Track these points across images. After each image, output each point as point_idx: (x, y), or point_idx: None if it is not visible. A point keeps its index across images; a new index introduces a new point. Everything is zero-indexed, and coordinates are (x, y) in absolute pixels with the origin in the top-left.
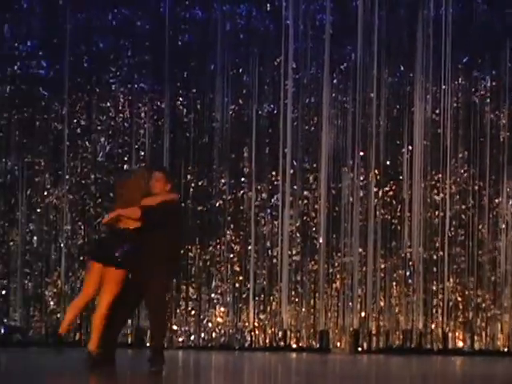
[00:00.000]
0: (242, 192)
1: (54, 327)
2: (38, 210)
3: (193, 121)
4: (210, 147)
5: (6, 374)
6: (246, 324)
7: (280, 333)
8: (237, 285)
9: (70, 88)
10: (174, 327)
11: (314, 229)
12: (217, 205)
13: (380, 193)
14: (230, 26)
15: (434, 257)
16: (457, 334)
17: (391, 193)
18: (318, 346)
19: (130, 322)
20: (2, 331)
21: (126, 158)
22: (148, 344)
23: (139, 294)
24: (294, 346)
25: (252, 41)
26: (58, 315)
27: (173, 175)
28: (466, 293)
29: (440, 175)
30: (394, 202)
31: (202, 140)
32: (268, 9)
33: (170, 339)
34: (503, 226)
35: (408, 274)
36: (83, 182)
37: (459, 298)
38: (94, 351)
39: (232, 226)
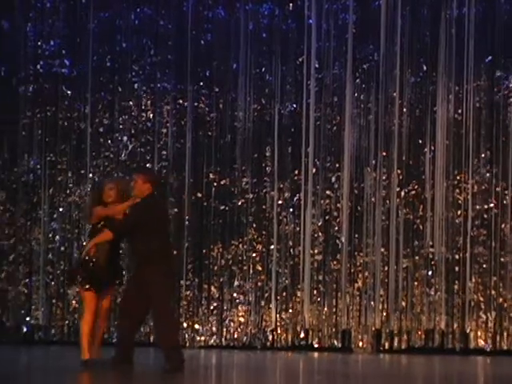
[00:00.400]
0: (264, 191)
1: (76, 326)
2: (61, 209)
3: (215, 120)
4: (233, 146)
5: (27, 372)
6: (268, 323)
7: (302, 332)
8: (259, 284)
9: (93, 87)
10: (196, 326)
11: (336, 228)
12: (239, 204)
13: (402, 192)
14: (253, 26)
15: (456, 256)
16: (479, 333)
17: (413, 192)
18: (339, 345)
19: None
20: (25, 330)
21: (148, 157)
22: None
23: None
24: (316, 345)
25: (274, 40)
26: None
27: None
28: (488, 292)
29: (462, 175)
30: (417, 202)
31: (225, 139)
32: (290, 8)
33: (192, 338)
34: None
35: (430, 273)
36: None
37: (481, 298)
38: (86, 359)
39: (254, 225)
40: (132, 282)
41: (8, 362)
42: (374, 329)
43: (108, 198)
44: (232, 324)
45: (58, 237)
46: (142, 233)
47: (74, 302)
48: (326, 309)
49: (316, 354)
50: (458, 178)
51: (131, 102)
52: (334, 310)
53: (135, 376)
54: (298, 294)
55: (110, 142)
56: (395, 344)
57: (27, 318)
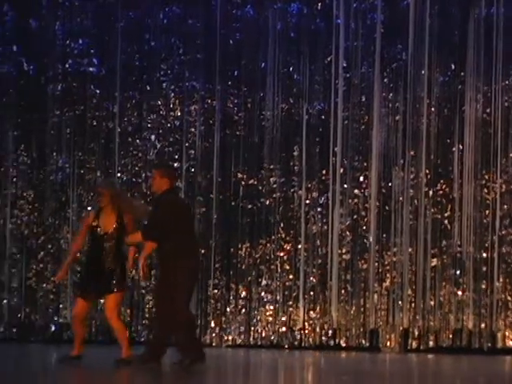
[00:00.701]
0: (292, 191)
1: (104, 325)
2: (89, 208)
3: (243, 119)
4: (261, 146)
5: (56, 371)
6: (296, 322)
7: (330, 331)
8: (287, 283)
9: (122, 86)
10: (224, 325)
11: (364, 228)
12: (267, 203)
13: (430, 192)
14: (281, 25)
15: (484, 256)
16: (506, 333)
17: (441, 192)
18: (367, 344)
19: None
20: (53, 328)
21: (176, 156)
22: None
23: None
24: (344, 344)
25: (303, 39)
26: None
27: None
28: None
29: (490, 174)
30: (445, 201)
31: (253, 138)
32: (319, 7)
33: (220, 337)
34: None
35: (458, 273)
36: (134, 180)
37: (509, 298)
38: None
39: (282, 224)
40: (160, 281)
41: (38, 360)
42: (401, 328)
43: (100, 203)
44: (260, 323)
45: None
46: (165, 230)
47: (101, 301)
48: (353, 308)
49: (343, 354)
50: (486, 177)
51: (159, 101)
52: (362, 309)
53: (163, 375)
54: (326, 293)
55: (138, 141)
56: (423, 343)
57: (55, 317)
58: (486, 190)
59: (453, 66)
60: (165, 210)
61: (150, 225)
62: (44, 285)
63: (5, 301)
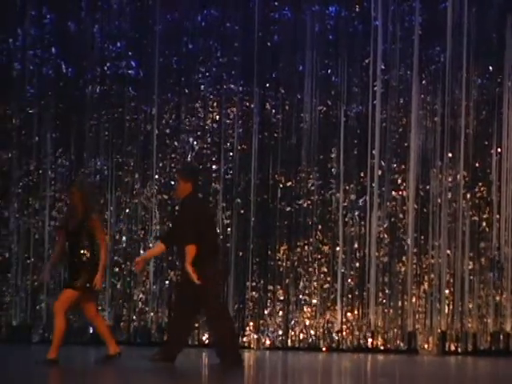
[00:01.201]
0: (329, 193)
1: (142, 327)
2: (127, 210)
3: (281, 121)
4: (299, 148)
5: (95, 372)
6: (334, 325)
7: (367, 334)
8: (324, 286)
9: (160, 88)
10: (262, 328)
11: (401, 230)
12: (305, 205)
13: (468, 194)
14: (319, 27)
15: None
16: None
17: (479, 194)
18: (405, 347)
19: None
20: (91, 330)
21: (214, 159)
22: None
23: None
24: (382, 347)
25: (341, 41)
26: (147, 315)
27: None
28: None
29: None
30: (483, 204)
31: (291, 141)
32: (357, 10)
33: (258, 340)
34: None
35: (496, 275)
36: (172, 182)
37: None
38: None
39: (320, 226)
40: (182, 283)
41: (78, 361)
42: (439, 331)
43: (70, 202)
44: (297, 325)
45: (124, 238)
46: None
47: (140, 303)
48: (391, 310)
49: (381, 356)
50: None
51: (197, 104)
52: (400, 311)
53: (202, 377)
54: (364, 295)
55: (176, 143)
56: (461, 346)
57: None
58: None
59: (491, 68)
60: (195, 212)
61: (187, 229)
62: None
63: (43, 303)
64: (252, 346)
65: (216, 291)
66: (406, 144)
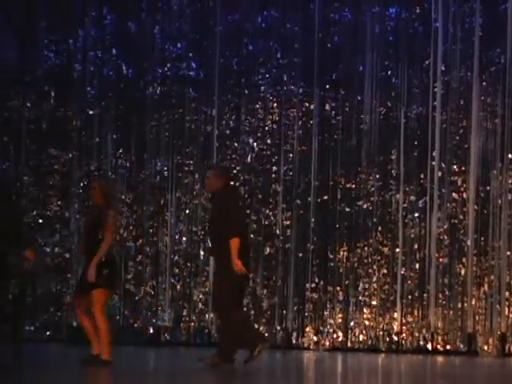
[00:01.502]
0: (389, 194)
1: (202, 328)
2: (187, 211)
3: (341, 123)
4: (358, 149)
5: (153, 374)
6: (393, 326)
7: (427, 335)
8: (384, 287)
9: (220, 90)
10: (321, 328)
11: (462, 231)
12: (364, 207)
13: None
14: (379, 29)
15: None
16: None
17: None
18: (465, 348)
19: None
20: (151, 331)
21: (274, 160)
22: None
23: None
24: (441, 348)
25: (401, 43)
26: (206, 316)
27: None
28: None
29: None
30: None
31: (350, 142)
32: (417, 11)
33: (317, 341)
34: None
35: None
36: (231, 183)
37: None
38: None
39: (380, 228)
40: (220, 280)
41: (139, 363)
42: (499, 332)
43: (91, 199)
44: (357, 327)
45: (184, 238)
46: (220, 228)
47: (200, 303)
48: (451, 312)
49: (441, 358)
50: None
51: (257, 105)
52: (460, 313)
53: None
54: (424, 297)
55: (236, 144)
56: None
57: (154, 320)
58: None
59: None
60: (235, 203)
61: (233, 220)
62: (142, 287)
63: None
64: (311, 347)
65: (231, 292)
66: (466, 145)
